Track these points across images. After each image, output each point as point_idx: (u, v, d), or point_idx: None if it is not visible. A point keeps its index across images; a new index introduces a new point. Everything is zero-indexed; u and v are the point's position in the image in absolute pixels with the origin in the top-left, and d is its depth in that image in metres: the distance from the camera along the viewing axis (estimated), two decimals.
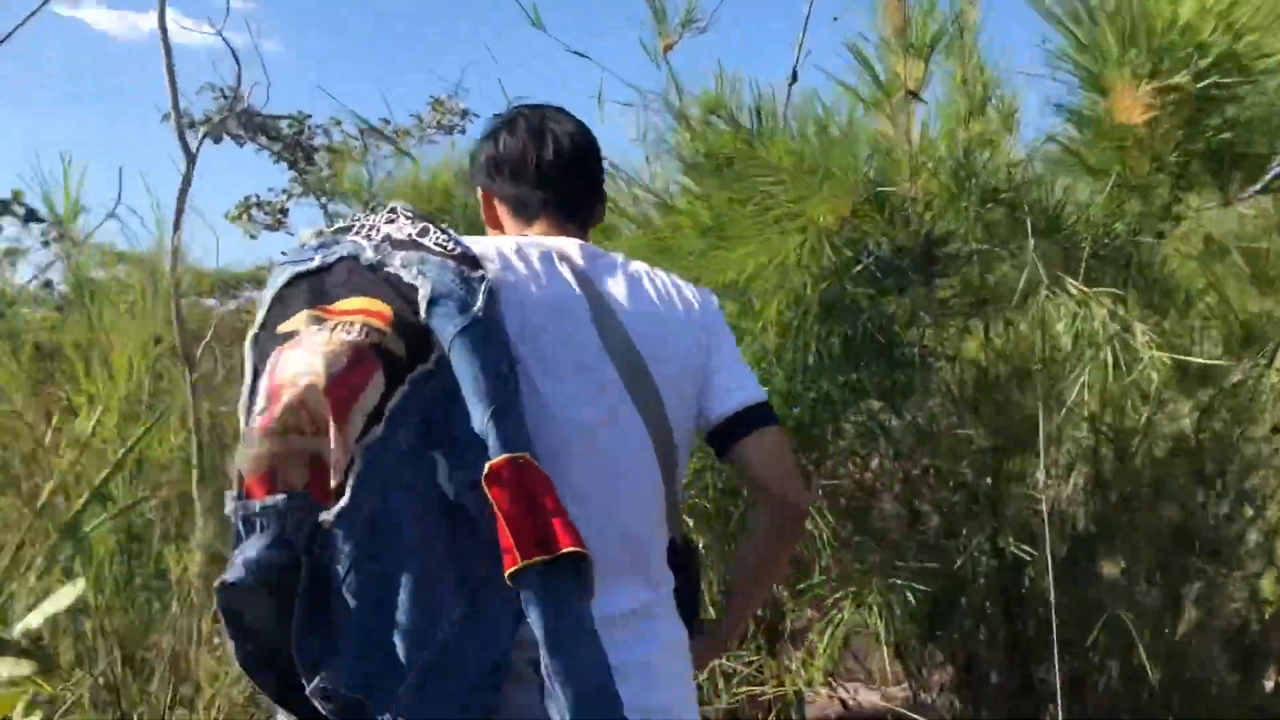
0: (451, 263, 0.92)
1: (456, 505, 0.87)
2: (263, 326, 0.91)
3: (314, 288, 0.91)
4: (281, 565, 0.81)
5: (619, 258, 1.19)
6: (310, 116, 10.35)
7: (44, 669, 1.83)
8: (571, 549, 0.84)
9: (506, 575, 0.83)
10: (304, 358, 0.83)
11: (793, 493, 1.19)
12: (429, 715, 0.83)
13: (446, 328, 0.88)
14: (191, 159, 2.92)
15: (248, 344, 0.91)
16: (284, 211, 10.54)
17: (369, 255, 0.93)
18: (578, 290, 1.08)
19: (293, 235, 10.35)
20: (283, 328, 0.88)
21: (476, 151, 1.26)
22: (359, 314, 0.87)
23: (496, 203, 1.23)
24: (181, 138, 2.95)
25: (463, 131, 10.58)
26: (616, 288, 1.12)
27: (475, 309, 0.90)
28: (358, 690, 0.81)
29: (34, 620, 1.74)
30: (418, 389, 0.88)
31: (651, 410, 1.09)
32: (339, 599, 0.82)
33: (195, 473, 2.48)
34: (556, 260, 1.10)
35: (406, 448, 0.86)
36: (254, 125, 8.65)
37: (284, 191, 10.43)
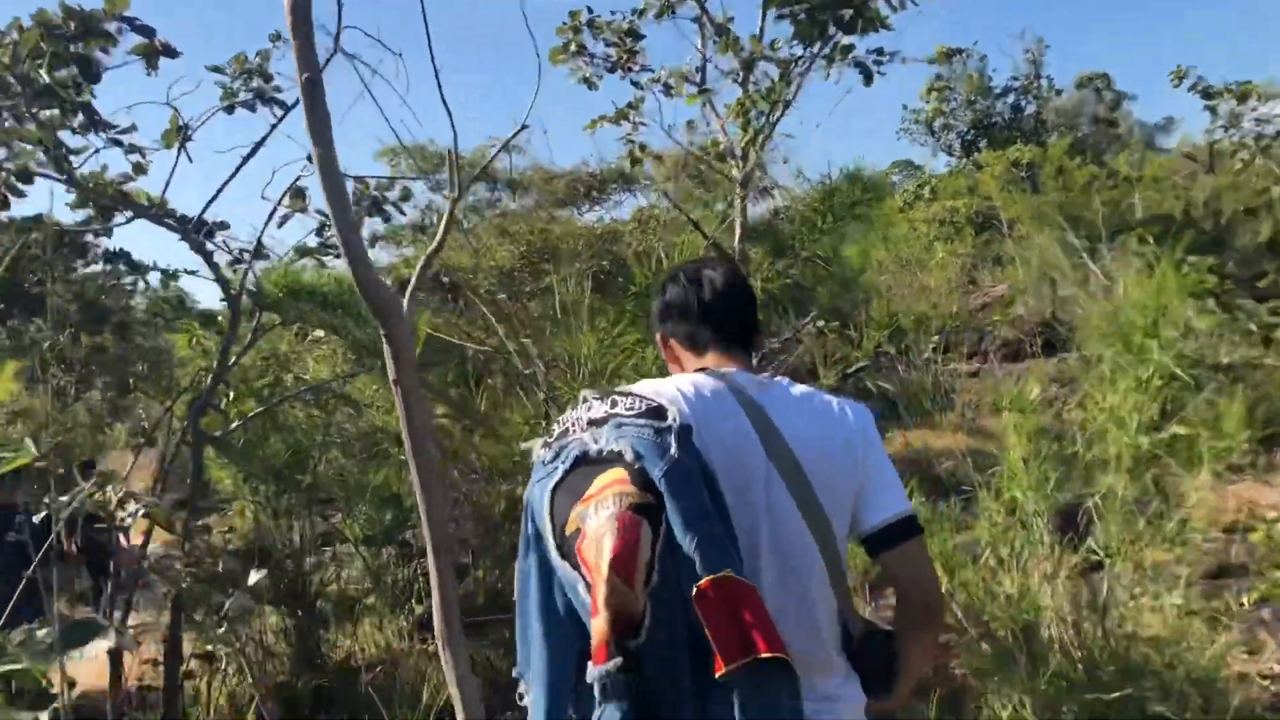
0: (641, 420, 1.14)
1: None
2: (554, 535, 1.09)
3: (569, 489, 1.11)
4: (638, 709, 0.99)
5: (785, 383, 1.39)
6: None
7: None
8: (769, 654, 0.97)
9: (716, 676, 0.98)
10: (592, 545, 1.02)
11: (931, 598, 1.39)
12: None
13: (654, 474, 1.07)
14: None
15: (551, 556, 1.09)
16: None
17: (592, 446, 1.14)
18: (748, 421, 1.30)
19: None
20: (569, 530, 1.06)
21: (651, 307, 1.54)
22: (607, 488, 1.06)
23: (673, 343, 1.51)
24: None
25: None
26: (784, 413, 1.33)
27: (670, 454, 1.09)
28: None
29: None
30: (668, 529, 1.04)
31: (819, 523, 1.29)
32: (664, 706, 1.00)
33: None
34: (730, 392, 1.32)
35: (673, 579, 1.02)
36: None
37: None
